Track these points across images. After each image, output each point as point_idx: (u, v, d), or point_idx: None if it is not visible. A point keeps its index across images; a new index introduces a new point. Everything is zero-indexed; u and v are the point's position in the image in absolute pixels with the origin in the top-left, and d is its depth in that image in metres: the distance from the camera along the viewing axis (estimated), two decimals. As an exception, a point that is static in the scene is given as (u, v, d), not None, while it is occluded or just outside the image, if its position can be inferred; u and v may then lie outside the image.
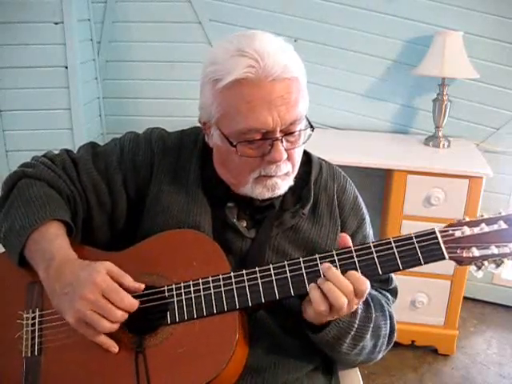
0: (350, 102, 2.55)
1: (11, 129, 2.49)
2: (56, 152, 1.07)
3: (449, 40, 2.17)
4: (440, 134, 2.30)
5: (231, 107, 0.89)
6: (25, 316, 0.91)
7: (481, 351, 2.33)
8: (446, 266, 2.08)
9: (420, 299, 2.20)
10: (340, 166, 1.13)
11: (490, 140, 2.45)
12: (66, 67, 2.42)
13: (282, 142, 0.90)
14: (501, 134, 2.43)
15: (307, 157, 1.08)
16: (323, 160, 1.11)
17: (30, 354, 0.89)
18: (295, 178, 1.02)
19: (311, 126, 0.94)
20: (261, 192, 0.95)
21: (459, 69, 2.19)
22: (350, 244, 0.88)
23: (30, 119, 2.48)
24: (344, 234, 0.89)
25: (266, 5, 2.47)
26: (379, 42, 2.42)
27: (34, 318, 0.91)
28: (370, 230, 1.11)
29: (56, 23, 2.35)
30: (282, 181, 0.95)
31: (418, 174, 2.06)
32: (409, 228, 2.12)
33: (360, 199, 1.10)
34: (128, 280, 0.87)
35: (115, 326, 0.83)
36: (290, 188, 1.02)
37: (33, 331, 0.90)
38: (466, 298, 2.31)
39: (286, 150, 0.91)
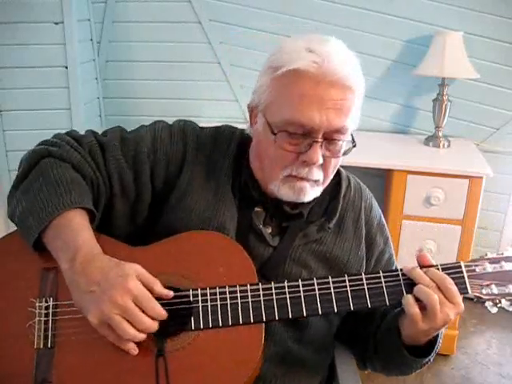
0: (350, 102, 2.55)
1: (11, 129, 2.49)
2: (82, 133, 1.02)
3: (449, 40, 2.17)
4: (440, 134, 2.30)
5: (283, 95, 0.89)
6: (37, 304, 0.87)
7: (481, 351, 2.32)
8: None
9: (420, 299, 2.19)
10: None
11: (489, 140, 2.45)
12: (66, 67, 2.41)
13: (321, 146, 0.89)
14: (501, 134, 2.43)
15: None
16: (349, 173, 1.09)
17: (42, 346, 0.85)
18: (326, 189, 1.00)
19: (353, 142, 0.93)
20: (286, 193, 0.93)
21: (459, 69, 2.19)
22: (431, 261, 0.88)
23: (30, 119, 2.48)
24: (422, 253, 0.89)
25: (266, 5, 2.47)
26: (379, 42, 2.42)
27: (47, 308, 0.86)
28: (393, 250, 1.10)
29: (56, 23, 2.35)
30: (311, 188, 0.93)
31: (418, 174, 2.06)
32: (409, 228, 2.12)
33: (383, 216, 1.09)
34: (159, 287, 0.83)
35: (141, 336, 0.80)
36: (318, 199, 1.00)
37: (46, 322, 0.86)
38: (466, 298, 2.30)
39: (323, 156, 0.90)
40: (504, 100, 2.38)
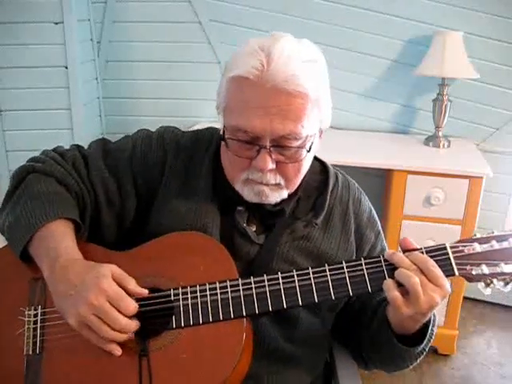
0: (350, 102, 2.55)
1: (11, 129, 2.49)
2: (66, 147, 1.05)
3: (449, 40, 2.17)
4: (440, 133, 2.30)
5: (231, 100, 0.90)
6: (27, 313, 0.89)
7: (481, 351, 2.33)
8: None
9: (420, 299, 2.19)
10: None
11: (490, 140, 2.45)
12: (66, 67, 2.42)
13: (270, 151, 0.88)
14: (501, 134, 2.43)
15: (322, 165, 1.07)
16: (338, 170, 1.09)
17: (31, 352, 0.87)
18: (310, 186, 1.01)
19: (309, 149, 0.91)
20: (248, 195, 0.93)
21: (459, 69, 2.19)
22: (414, 245, 0.86)
23: (30, 119, 2.48)
24: (404, 237, 0.88)
25: (266, 5, 2.47)
26: (379, 42, 2.42)
27: (36, 316, 0.89)
28: (385, 243, 1.09)
29: (56, 23, 2.36)
30: (272, 191, 0.92)
31: (418, 174, 2.06)
32: (409, 228, 2.12)
33: (374, 211, 1.09)
34: (132, 284, 0.85)
35: (119, 335, 0.81)
36: (305, 195, 1.00)
37: (35, 329, 0.88)
38: (466, 298, 2.30)
39: (277, 161, 0.90)
40: (504, 100, 2.38)
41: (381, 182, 2.46)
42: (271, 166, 0.89)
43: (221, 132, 0.95)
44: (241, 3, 2.50)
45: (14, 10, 2.32)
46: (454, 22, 2.29)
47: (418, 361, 0.96)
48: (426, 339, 0.91)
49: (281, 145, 0.88)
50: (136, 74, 2.71)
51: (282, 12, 2.46)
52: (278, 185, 0.93)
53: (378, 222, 1.09)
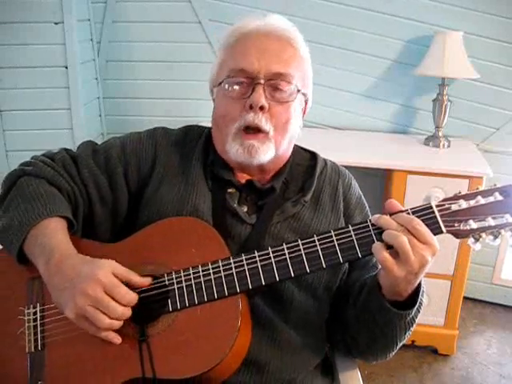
0: (350, 102, 2.55)
1: (11, 129, 2.49)
2: (55, 151, 1.07)
3: (449, 40, 2.17)
4: (440, 133, 2.30)
5: (228, 56, 1.00)
6: (26, 312, 0.91)
7: (481, 351, 2.33)
8: (447, 265, 2.09)
9: (420, 299, 2.19)
10: (341, 166, 1.13)
11: (490, 140, 2.46)
12: (66, 67, 2.42)
13: (264, 90, 0.95)
14: (501, 134, 2.43)
15: (312, 154, 1.11)
16: (327, 159, 1.13)
17: (33, 349, 0.89)
18: (299, 170, 1.05)
19: (303, 94, 1.00)
20: (237, 151, 0.97)
21: (459, 69, 2.19)
22: (399, 207, 0.87)
23: (30, 119, 2.48)
24: (390, 200, 0.88)
25: (266, 5, 2.47)
26: (379, 42, 2.42)
27: (35, 314, 0.91)
28: None
29: (56, 23, 2.36)
30: (261, 143, 0.96)
31: (418, 174, 2.06)
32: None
33: (363, 198, 1.11)
34: (135, 277, 0.87)
35: (116, 323, 0.83)
36: (295, 178, 1.04)
37: (35, 326, 0.90)
38: (466, 298, 2.30)
39: (269, 103, 0.95)
40: (504, 100, 2.38)
41: (381, 182, 2.46)
42: (264, 102, 0.95)
43: (215, 98, 1.03)
44: (241, 3, 2.50)
45: (14, 9, 2.32)
46: (454, 22, 2.29)
47: (406, 337, 0.96)
48: (416, 306, 0.90)
49: (274, 84, 0.96)
50: (136, 73, 2.71)
51: (282, 12, 2.43)
52: (266, 134, 0.97)
53: (367, 208, 1.11)
